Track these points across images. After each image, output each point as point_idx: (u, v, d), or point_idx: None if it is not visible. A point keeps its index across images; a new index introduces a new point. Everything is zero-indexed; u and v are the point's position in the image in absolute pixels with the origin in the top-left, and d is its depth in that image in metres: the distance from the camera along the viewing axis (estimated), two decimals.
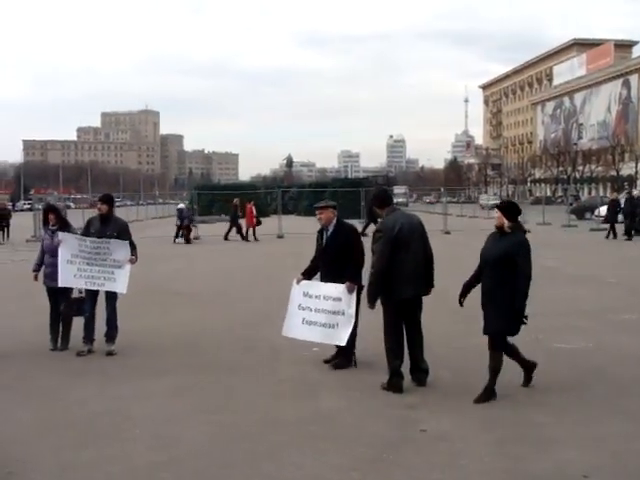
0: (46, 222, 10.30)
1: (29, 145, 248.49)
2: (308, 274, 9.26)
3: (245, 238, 32.74)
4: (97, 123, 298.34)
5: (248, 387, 8.27)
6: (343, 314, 8.63)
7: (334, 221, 9.11)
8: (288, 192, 62.73)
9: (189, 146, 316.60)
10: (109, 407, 7.57)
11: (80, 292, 10.29)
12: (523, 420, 6.99)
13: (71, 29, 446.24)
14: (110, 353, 9.79)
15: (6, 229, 35.61)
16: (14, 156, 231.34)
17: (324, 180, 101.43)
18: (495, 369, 7.55)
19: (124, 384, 8.46)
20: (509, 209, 7.67)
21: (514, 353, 7.84)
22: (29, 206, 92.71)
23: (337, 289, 8.71)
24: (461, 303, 7.89)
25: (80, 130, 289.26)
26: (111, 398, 7.89)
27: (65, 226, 10.19)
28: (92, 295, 9.98)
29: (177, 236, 33.23)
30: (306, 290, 9.02)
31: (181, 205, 35.97)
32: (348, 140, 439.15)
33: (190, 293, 15.77)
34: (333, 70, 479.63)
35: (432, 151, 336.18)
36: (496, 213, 7.70)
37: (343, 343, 8.67)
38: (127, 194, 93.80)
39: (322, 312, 8.79)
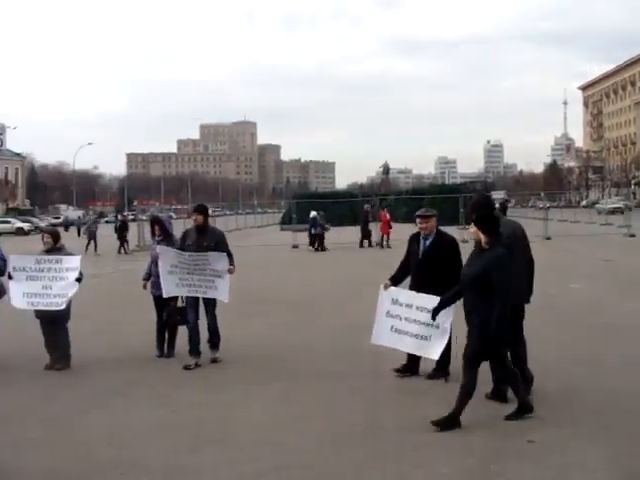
0: (153, 233, 10.53)
1: (132, 158, 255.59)
2: (396, 280, 9.11)
3: (380, 244, 33.02)
4: (196, 135, 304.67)
5: (351, 395, 8.28)
6: (438, 327, 8.44)
7: (434, 230, 9.01)
8: (385, 199, 62.59)
9: (286, 155, 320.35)
10: (215, 413, 7.69)
11: (183, 301, 10.48)
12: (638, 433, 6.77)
13: (170, 43, 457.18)
14: (215, 360, 9.93)
15: (126, 242, 35.88)
16: (118, 169, 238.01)
17: (421, 187, 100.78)
18: (464, 390, 7.07)
19: (230, 391, 8.59)
20: (485, 222, 7.15)
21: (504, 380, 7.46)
22: (132, 217, 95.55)
23: (434, 301, 8.52)
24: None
25: (180, 142, 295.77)
26: (217, 404, 8.01)
27: (169, 237, 10.39)
28: (194, 304, 10.07)
29: (311, 244, 33.38)
30: (395, 297, 8.86)
31: (314, 213, 35.69)
32: (444, 146, 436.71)
33: (295, 301, 15.90)
34: (428, 76, 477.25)
35: (530, 155, 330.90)
36: (471, 228, 7.26)
37: (436, 357, 8.54)
38: (226, 204, 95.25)
39: (414, 322, 8.62)
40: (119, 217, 41.81)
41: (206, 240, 9.98)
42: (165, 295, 10.06)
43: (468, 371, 7.06)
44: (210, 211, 12.17)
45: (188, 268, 9.85)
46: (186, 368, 9.81)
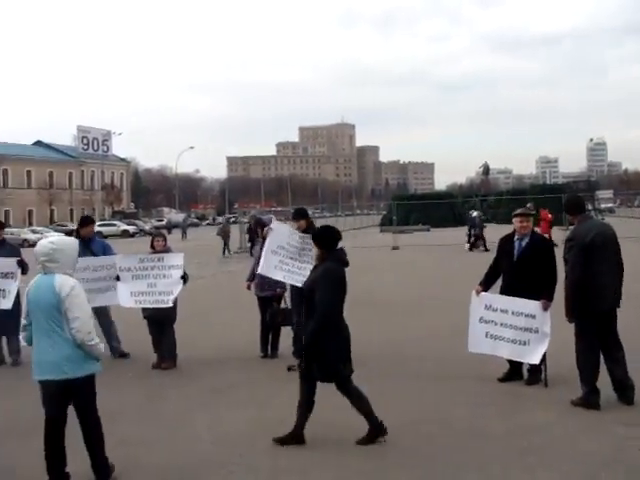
0: (257, 235, 10.69)
1: (232, 161, 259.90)
2: (486, 285, 8.97)
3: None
4: (295, 137, 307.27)
5: (453, 398, 8.23)
6: (537, 332, 8.32)
7: (530, 231, 8.79)
8: (486, 200, 61.87)
9: (385, 157, 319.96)
10: (318, 415, 7.69)
11: (285, 303, 10.60)
12: None
13: (268, 47, 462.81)
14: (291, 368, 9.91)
15: (227, 245, 36.34)
16: (219, 172, 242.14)
17: (522, 187, 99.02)
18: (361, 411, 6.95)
19: (331, 392, 8.58)
20: (320, 238, 7.02)
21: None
22: (234, 219, 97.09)
23: (531, 305, 8.34)
24: None
25: (279, 145, 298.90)
26: (319, 406, 8.03)
27: None
28: (298, 306, 10.13)
29: (470, 243, 32.76)
30: (488, 303, 8.73)
31: (475, 213, 35.03)
32: (545, 145, 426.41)
33: (395, 302, 15.90)
34: (528, 73, 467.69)
35: (636, 153, 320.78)
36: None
37: (536, 362, 8.40)
38: (325, 205, 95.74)
39: (510, 327, 8.49)
40: (225, 219, 42.46)
41: None
42: (259, 271, 10.04)
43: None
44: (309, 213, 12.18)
45: (293, 252, 9.82)
46: (290, 369, 9.89)
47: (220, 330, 12.66)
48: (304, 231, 10.03)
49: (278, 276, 10.01)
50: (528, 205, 28.58)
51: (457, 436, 6.91)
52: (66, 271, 5.74)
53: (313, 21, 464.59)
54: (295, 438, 6.84)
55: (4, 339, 10.75)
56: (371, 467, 6.21)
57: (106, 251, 10.83)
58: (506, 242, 8.96)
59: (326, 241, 6.94)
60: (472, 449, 6.53)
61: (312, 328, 6.68)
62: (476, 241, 32.04)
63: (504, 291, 8.79)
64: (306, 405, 6.93)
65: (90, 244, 10.71)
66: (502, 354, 8.69)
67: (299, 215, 10.25)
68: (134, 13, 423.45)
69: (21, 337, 6.05)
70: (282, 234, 9.94)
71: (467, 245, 32.53)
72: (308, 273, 9.73)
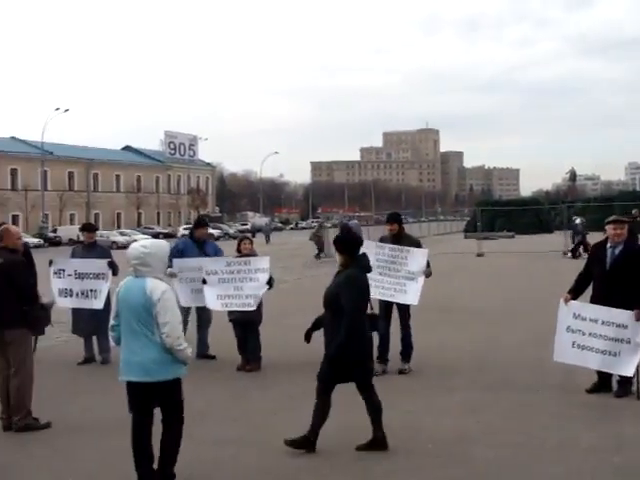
0: None
1: (316, 166, 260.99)
2: (575, 293, 8.73)
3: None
4: (379, 143, 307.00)
5: (540, 408, 8.08)
6: (629, 342, 8.09)
7: (624, 239, 8.53)
8: (572, 207, 60.64)
9: (469, 162, 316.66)
10: (401, 421, 7.70)
11: (372, 308, 10.55)
12: None
13: (352, 53, 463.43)
14: (402, 372, 9.87)
15: (321, 249, 36.37)
16: (303, 177, 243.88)
17: (610, 194, 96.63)
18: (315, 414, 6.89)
19: (416, 399, 8.59)
20: (342, 243, 6.92)
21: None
22: (317, 224, 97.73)
23: (623, 315, 8.10)
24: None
25: (363, 150, 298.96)
26: (403, 412, 8.02)
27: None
28: (386, 313, 10.11)
29: (572, 250, 31.79)
30: (577, 312, 8.50)
31: (578, 219, 34.45)
32: (636, 151, 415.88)
33: (480, 310, 15.70)
34: (618, 77, 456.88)
35: None
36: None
37: (629, 374, 8.18)
38: (409, 211, 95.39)
39: (600, 338, 8.26)
40: (319, 224, 42.49)
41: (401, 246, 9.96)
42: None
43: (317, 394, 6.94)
44: None
45: (384, 267, 9.83)
46: (374, 375, 9.92)
47: (302, 334, 12.65)
48: (395, 235, 10.04)
49: (376, 295, 9.90)
50: (633, 211, 27.77)
51: (543, 447, 6.77)
52: (157, 275, 5.77)
53: (398, 26, 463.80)
54: (307, 443, 6.83)
55: (94, 338, 11.01)
56: (461, 475, 6.14)
57: (217, 253, 10.98)
58: (598, 249, 8.75)
59: (347, 246, 6.92)
60: (560, 462, 6.39)
61: (342, 336, 6.64)
62: (578, 247, 31.29)
63: (595, 300, 8.57)
64: (324, 410, 6.93)
65: (204, 246, 10.96)
66: (591, 365, 8.48)
67: (392, 219, 10.25)
68: (219, 19, 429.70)
69: (110, 337, 6.13)
70: (373, 250, 9.87)
71: (569, 252, 31.77)
72: (404, 287, 9.78)
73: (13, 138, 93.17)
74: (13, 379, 7.58)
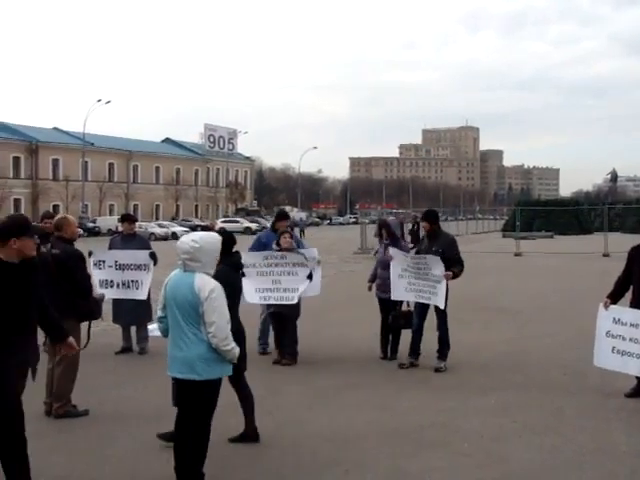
0: (381, 236, 10.68)
1: (355, 162, 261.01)
2: (615, 298, 8.60)
3: None
4: (418, 140, 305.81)
5: (578, 411, 7.99)
6: None
7: None
8: (613, 208, 59.93)
9: (509, 161, 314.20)
10: (436, 419, 7.69)
11: (408, 305, 10.56)
12: None
13: (392, 49, 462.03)
14: (438, 370, 9.84)
15: None
16: (341, 172, 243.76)
17: None
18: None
19: (450, 398, 8.55)
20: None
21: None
22: (354, 220, 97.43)
23: None
24: None
25: (402, 147, 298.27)
26: (437, 411, 8.00)
27: (396, 241, 10.48)
28: (421, 310, 10.10)
29: None
30: (617, 317, 8.38)
31: None
32: None
33: (518, 310, 15.60)
34: None
35: None
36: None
37: None
38: (447, 209, 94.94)
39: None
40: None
41: (435, 245, 9.92)
42: (393, 298, 10.28)
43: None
44: None
45: (416, 273, 9.92)
46: (401, 367, 10.01)
47: (340, 330, 12.72)
48: (429, 233, 10.04)
49: (410, 298, 10.24)
50: None
51: (581, 451, 6.70)
52: (207, 270, 5.61)
53: (440, 22, 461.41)
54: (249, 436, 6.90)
55: (132, 328, 11.12)
56: (497, 476, 6.12)
57: (300, 245, 10.92)
58: (638, 252, 8.60)
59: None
60: (597, 466, 6.32)
61: None
62: None
63: (635, 304, 8.45)
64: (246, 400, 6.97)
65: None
66: (632, 371, 8.35)
67: (424, 217, 10.28)
68: (259, 13, 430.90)
69: (157, 328, 6.05)
70: (401, 259, 10.15)
71: None
72: (435, 290, 9.79)
73: (55, 129, 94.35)
74: (57, 367, 7.70)
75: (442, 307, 9.79)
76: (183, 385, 5.64)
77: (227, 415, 6.65)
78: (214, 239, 5.74)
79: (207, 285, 5.51)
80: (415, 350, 10.10)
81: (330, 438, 7.09)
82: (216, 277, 5.74)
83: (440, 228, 10.45)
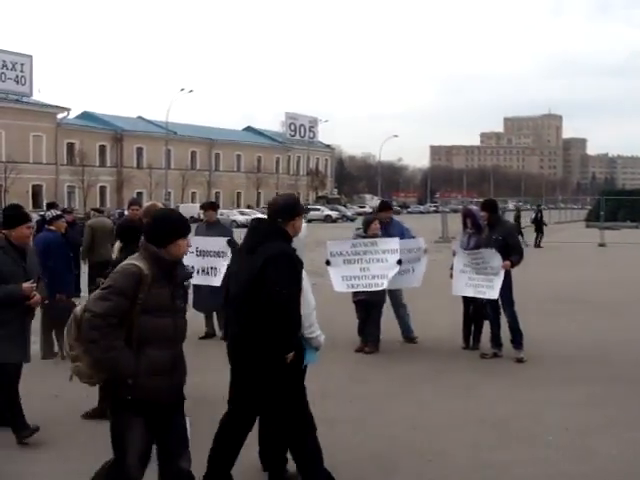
0: (465, 225, 10.58)
1: (435, 151, 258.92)
2: None
3: None
4: (500, 128, 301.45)
5: None
6: None
7: None
8: None
9: (592, 150, 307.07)
10: (519, 410, 7.60)
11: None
12: None
13: (474, 37, 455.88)
14: (520, 360, 9.74)
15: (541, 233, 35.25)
16: (421, 161, 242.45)
17: None
18: None
19: (533, 389, 8.43)
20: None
21: None
22: (435, 208, 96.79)
23: None
24: None
25: (483, 135, 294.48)
26: (521, 402, 7.91)
27: (480, 231, 10.35)
28: (493, 301, 10.03)
29: None
30: None
31: None
32: None
33: (604, 302, 15.22)
34: None
35: None
36: None
37: None
38: (529, 198, 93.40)
39: None
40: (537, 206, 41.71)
41: (496, 233, 9.92)
42: (454, 293, 10.33)
43: None
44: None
45: (475, 269, 9.93)
46: (483, 357, 9.99)
47: (424, 318, 12.57)
48: (488, 223, 10.11)
49: (469, 293, 10.19)
50: None
51: None
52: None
53: (522, 9, 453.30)
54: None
55: (214, 314, 11.27)
56: (585, 470, 6.00)
57: (404, 234, 10.92)
58: None
59: (124, 235, 7.23)
60: None
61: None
62: None
63: None
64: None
65: (388, 228, 10.82)
66: None
67: (482, 207, 10.30)
68: (340, 2, 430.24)
69: None
70: (462, 256, 10.20)
71: None
72: (491, 283, 9.73)
73: (140, 118, 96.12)
74: None
75: (495, 298, 9.79)
76: None
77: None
78: (302, 227, 5.74)
79: None
80: (496, 341, 10.04)
81: (413, 426, 7.09)
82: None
83: (500, 217, 10.48)
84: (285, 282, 5.12)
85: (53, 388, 8.00)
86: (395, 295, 10.92)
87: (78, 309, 4.49)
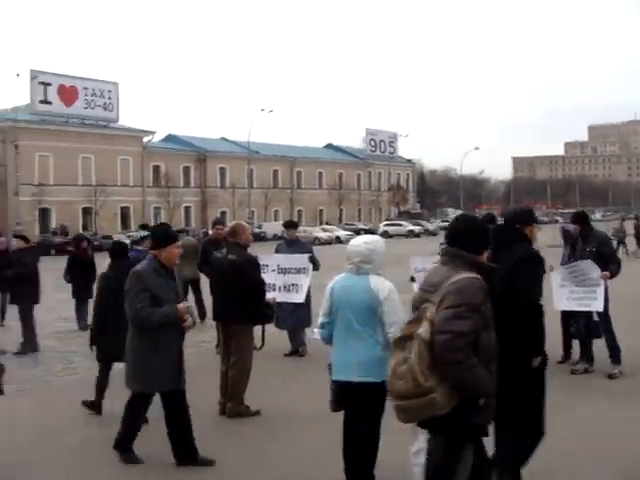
0: (566, 242, 10.37)
1: (518, 162, 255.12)
2: None
3: None
4: (584, 137, 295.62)
5: None
6: None
7: None
8: None
9: None
10: (614, 429, 7.31)
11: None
12: None
13: (558, 45, 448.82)
14: (612, 376, 9.41)
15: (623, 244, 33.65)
16: (504, 173, 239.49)
17: None
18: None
19: (629, 406, 8.10)
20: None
21: None
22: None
23: None
24: None
25: (567, 145, 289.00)
26: (615, 420, 7.62)
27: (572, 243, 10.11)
28: (583, 313, 9.79)
29: None
30: None
31: None
32: None
33: None
34: None
35: None
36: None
37: None
38: (618, 208, 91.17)
39: None
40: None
41: (589, 244, 9.68)
42: (556, 308, 9.97)
43: None
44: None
45: (575, 282, 9.65)
46: (573, 372, 9.73)
47: None
48: (581, 235, 9.87)
49: (573, 307, 9.86)
50: None
51: None
52: (378, 272, 5.62)
53: (603, 12, 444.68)
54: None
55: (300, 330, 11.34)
56: None
57: None
58: None
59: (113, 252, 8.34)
60: None
61: None
62: None
63: None
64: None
65: None
66: None
67: (572, 220, 10.19)
68: (419, 14, 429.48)
69: (318, 333, 6.02)
70: (561, 268, 10.01)
71: None
72: (595, 294, 9.42)
73: (222, 139, 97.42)
74: (232, 369, 7.98)
75: (601, 309, 9.45)
76: (355, 388, 5.58)
77: None
78: (382, 241, 5.84)
79: (385, 285, 5.55)
80: (587, 356, 9.76)
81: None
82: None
83: (592, 228, 10.20)
84: (535, 281, 5.49)
85: None
86: None
87: (422, 332, 4.14)
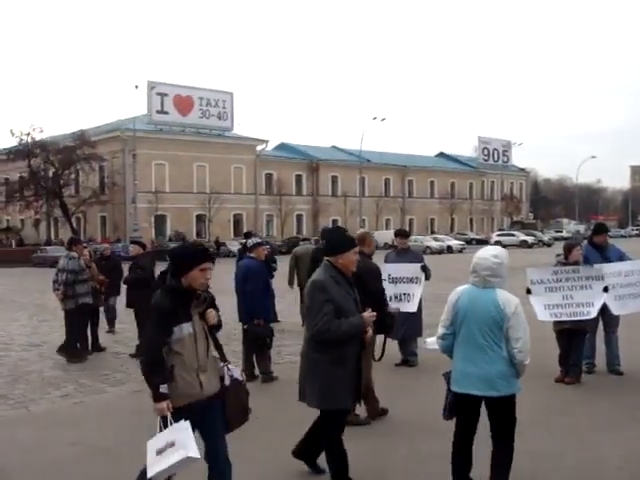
0: None
1: (636, 171, 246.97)
2: None
3: None
4: None
5: None
6: None
7: None
8: None
9: None
10: None
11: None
12: None
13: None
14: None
15: None
16: (622, 182, 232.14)
17: None
18: None
19: None
20: None
21: None
22: (637, 232, 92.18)
23: None
24: None
25: None
26: None
27: None
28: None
29: None
30: None
31: None
32: None
33: None
34: None
35: None
36: None
37: None
38: None
39: None
40: None
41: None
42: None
43: None
44: None
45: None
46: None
47: (630, 348, 11.90)
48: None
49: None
50: None
51: None
52: (503, 286, 5.58)
53: None
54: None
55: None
56: None
57: (623, 258, 10.66)
58: None
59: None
60: None
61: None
62: None
63: None
64: None
65: (605, 252, 10.60)
66: None
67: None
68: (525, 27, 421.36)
69: (435, 343, 5.99)
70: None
71: None
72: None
73: (334, 147, 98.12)
74: None
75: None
76: (477, 401, 5.61)
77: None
78: (507, 253, 5.76)
79: (511, 300, 5.50)
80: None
81: (621, 465, 6.67)
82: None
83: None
84: None
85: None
86: (610, 322, 10.46)
87: None
